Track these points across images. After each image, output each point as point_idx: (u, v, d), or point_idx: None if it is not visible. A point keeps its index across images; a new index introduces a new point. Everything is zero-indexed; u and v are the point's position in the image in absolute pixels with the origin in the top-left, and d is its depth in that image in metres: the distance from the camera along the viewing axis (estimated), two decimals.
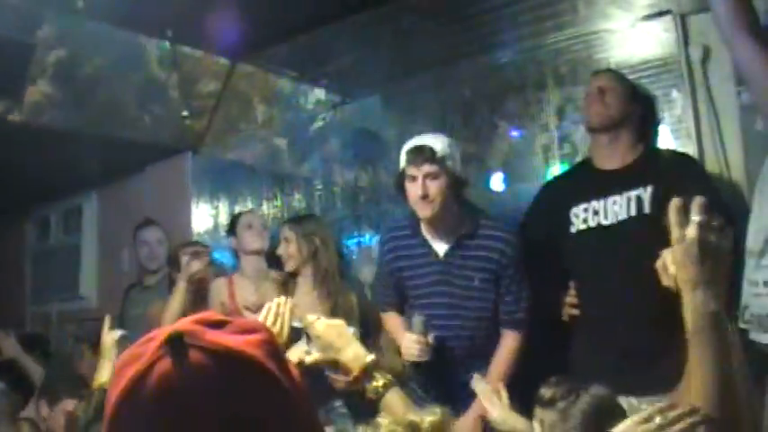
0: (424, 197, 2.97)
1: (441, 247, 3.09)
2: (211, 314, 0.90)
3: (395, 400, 1.69)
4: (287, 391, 0.86)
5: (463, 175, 3.08)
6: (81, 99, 3.94)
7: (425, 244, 3.12)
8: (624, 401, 2.76)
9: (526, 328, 3.06)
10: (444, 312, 3.07)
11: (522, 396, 2.40)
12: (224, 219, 4.68)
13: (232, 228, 4.13)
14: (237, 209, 4.68)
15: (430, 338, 2.96)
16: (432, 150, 2.96)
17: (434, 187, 2.97)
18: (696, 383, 1.47)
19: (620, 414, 2.03)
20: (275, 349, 0.88)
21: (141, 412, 0.80)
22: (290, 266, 3.78)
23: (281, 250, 3.79)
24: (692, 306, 1.49)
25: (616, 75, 3.18)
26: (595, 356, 2.89)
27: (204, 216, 4.72)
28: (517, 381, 2.86)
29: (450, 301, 3.07)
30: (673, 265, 1.54)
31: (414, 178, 2.99)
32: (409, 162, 3.01)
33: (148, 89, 4.15)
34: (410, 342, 2.96)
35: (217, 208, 4.75)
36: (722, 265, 1.52)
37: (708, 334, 1.46)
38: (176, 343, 0.81)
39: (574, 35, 3.68)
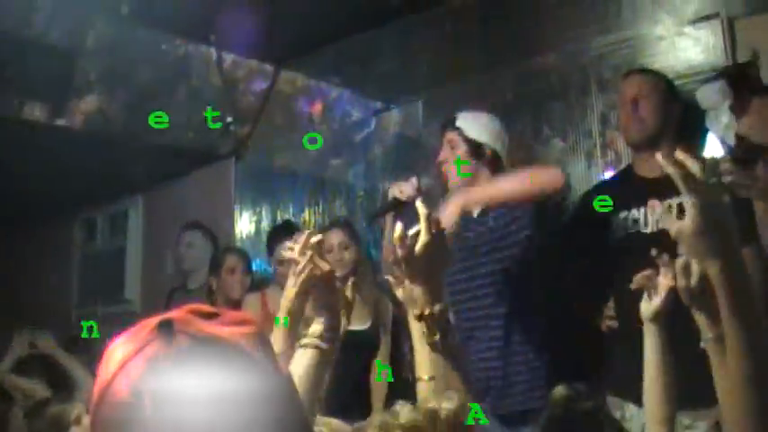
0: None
1: None
2: (203, 306, 0.93)
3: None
4: (273, 379, 0.88)
5: (486, 143, 3.04)
6: (127, 106, 4.00)
7: None
8: None
9: None
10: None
11: None
12: (266, 224, 4.71)
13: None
14: (280, 215, 4.70)
15: None
16: (453, 120, 3.06)
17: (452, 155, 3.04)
18: (744, 370, 1.25)
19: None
20: (263, 341, 0.91)
21: (126, 394, 0.82)
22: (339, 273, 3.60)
23: (333, 257, 3.40)
24: (730, 271, 1.24)
25: (648, 76, 3.08)
26: (634, 368, 2.81)
27: (246, 222, 4.75)
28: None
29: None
30: (689, 245, 1.32)
31: None
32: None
33: (193, 95, 4.20)
34: None
35: (259, 214, 4.77)
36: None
37: (755, 302, 1.23)
38: (166, 329, 0.85)
39: (618, 40, 3.62)
